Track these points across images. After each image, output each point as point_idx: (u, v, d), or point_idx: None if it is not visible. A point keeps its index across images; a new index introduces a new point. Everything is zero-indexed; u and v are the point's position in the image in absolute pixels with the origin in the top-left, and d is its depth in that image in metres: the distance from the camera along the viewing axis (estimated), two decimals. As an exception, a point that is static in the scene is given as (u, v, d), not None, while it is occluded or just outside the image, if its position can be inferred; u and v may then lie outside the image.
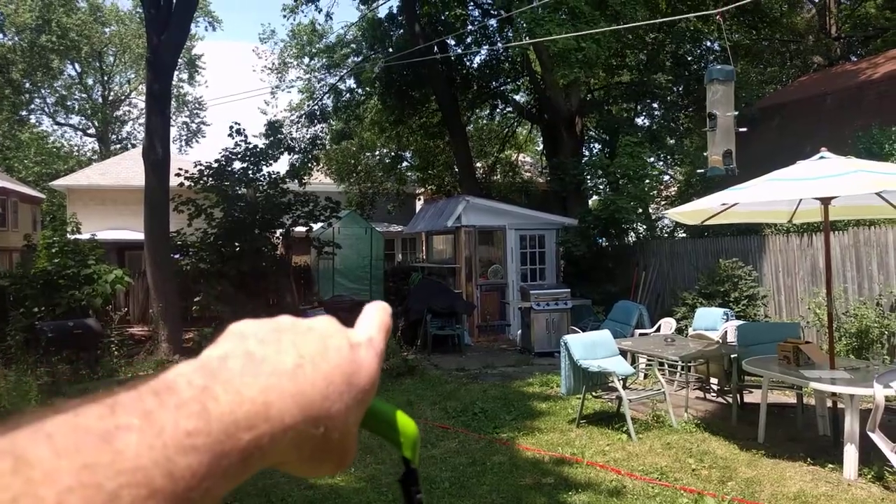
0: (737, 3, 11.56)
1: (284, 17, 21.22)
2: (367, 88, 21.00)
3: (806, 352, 5.77)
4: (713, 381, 7.72)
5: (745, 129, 6.29)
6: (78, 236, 12.66)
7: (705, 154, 6.35)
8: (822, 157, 5.72)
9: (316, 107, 21.92)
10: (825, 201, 5.83)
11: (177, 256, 13.22)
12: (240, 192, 13.41)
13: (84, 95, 41.11)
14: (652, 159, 17.52)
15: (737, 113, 6.25)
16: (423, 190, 25.81)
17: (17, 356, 9.09)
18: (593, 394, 6.80)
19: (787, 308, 9.73)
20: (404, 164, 24.92)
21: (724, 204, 6.25)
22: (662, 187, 18.52)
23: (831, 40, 22.27)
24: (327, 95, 21.73)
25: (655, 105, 19.50)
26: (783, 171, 5.78)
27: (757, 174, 5.96)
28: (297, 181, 14.32)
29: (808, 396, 6.72)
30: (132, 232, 19.20)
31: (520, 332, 11.78)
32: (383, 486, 5.02)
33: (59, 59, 36.79)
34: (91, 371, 9.72)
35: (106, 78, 41.21)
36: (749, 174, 6.17)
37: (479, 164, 23.34)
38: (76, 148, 43.26)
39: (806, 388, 6.29)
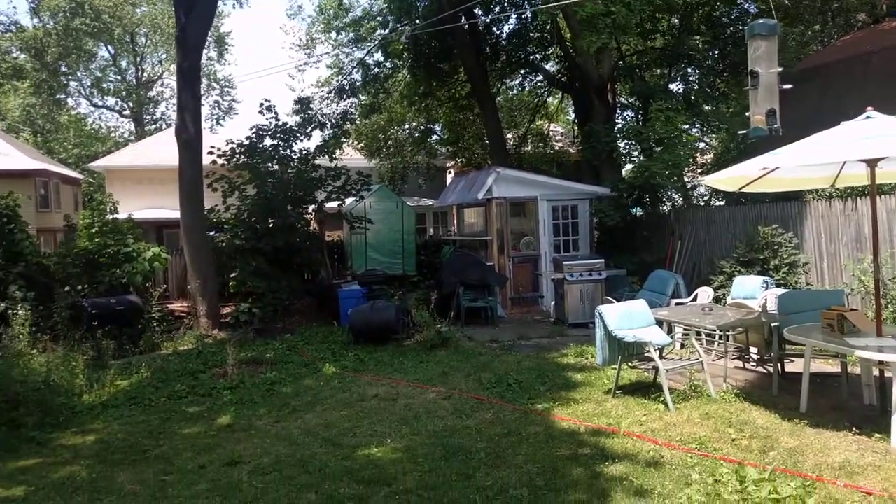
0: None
1: (311, -10, 21.06)
2: (396, 61, 20.83)
3: (851, 319, 5.59)
4: (753, 350, 7.56)
5: (789, 87, 6.03)
6: (116, 216, 12.90)
7: (747, 114, 6.11)
8: (867, 117, 5.48)
9: (345, 82, 21.83)
10: (871, 163, 5.60)
11: (212, 233, 13.42)
12: (272, 169, 13.49)
13: (118, 77, 41.77)
14: (686, 126, 17.08)
15: (780, 69, 5.99)
16: (453, 163, 25.65)
17: (63, 332, 9.38)
18: (629, 364, 6.73)
19: (830, 275, 9.46)
20: (434, 137, 24.76)
21: (764, 168, 6.04)
22: (698, 154, 18.05)
23: (877, -5, 21.22)
24: (356, 70, 21.63)
25: (690, 70, 18.91)
26: (826, 133, 5.55)
27: (798, 138, 5.74)
28: (327, 157, 14.33)
29: (852, 365, 6.54)
30: (169, 211, 19.58)
31: (553, 303, 11.70)
32: (419, 457, 5.06)
33: (93, 41, 37.31)
34: (134, 346, 9.99)
35: (139, 59, 41.77)
36: (790, 138, 5.94)
37: (509, 136, 23.04)
38: (113, 129, 44.15)
39: (851, 357, 6.11)
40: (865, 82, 14.21)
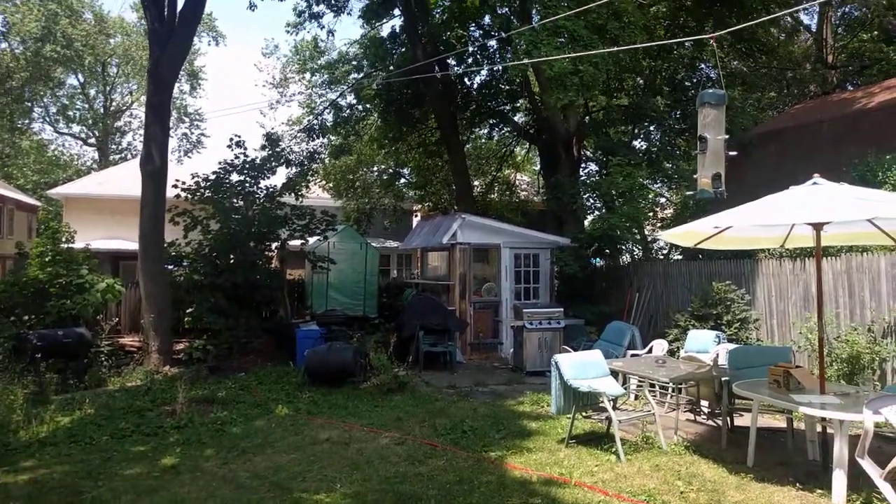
0: (731, 29, 11.68)
1: (288, 32, 21.39)
2: (368, 105, 21.12)
3: (796, 376, 5.75)
4: (703, 403, 7.69)
5: (734, 153, 6.32)
6: (72, 245, 12.59)
7: (695, 177, 6.37)
8: (814, 184, 5.76)
9: (315, 121, 22.02)
10: (817, 227, 5.87)
11: (171, 267, 13.18)
12: (236, 205, 13.41)
13: (86, 105, 41.30)
14: (648, 182, 17.61)
15: (727, 136, 6.28)
16: (420, 206, 25.86)
17: (4, 364, 9.00)
18: (583, 414, 6.77)
19: (780, 332, 9.73)
20: (402, 180, 25.00)
21: (716, 227, 6.27)
22: (658, 209, 18.59)
23: (828, 69, 22.52)
24: (327, 111, 21.85)
25: (653, 129, 19.64)
26: (776, 196, 5.81)
27: (752, 199, 6.00)
28: (293, 195, 14.32)
29: (798, 421, 6.70)
30: (127, 242, 19.20)
31: (512, 350, 11.75)
32: (369, 503, 4.96)
33: (62, 68, 36.96)
34: (79, 380, 9.63)
35: (108, 88, 41.43)
36: (744, 199, 6.20)
37: (476, 183, 23.41)
38: (76, 157, 43.41)
39: (796, 413, 6.28)
40: (817, 148, 14.93)
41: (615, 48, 11.78)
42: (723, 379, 6.72)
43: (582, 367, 6.65)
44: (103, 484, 5.58)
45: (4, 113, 35.43)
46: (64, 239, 12.46)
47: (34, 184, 36.43)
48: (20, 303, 11.04)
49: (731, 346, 8.11)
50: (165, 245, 12.35)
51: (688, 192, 7.65)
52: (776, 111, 22.74)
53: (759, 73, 21.42)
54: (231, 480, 5.62)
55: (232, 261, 12.51)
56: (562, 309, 11.33)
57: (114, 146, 42.80)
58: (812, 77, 22.61)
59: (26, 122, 38.85)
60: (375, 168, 25.33)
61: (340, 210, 24.66)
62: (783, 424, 6.86)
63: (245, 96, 67.21)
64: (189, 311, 12.10)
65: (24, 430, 7.12)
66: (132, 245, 13.89)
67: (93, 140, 42.30)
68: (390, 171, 24.53)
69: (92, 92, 41.33)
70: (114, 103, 42.20)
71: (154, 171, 11.77)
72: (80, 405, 8.11)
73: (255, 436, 7.10)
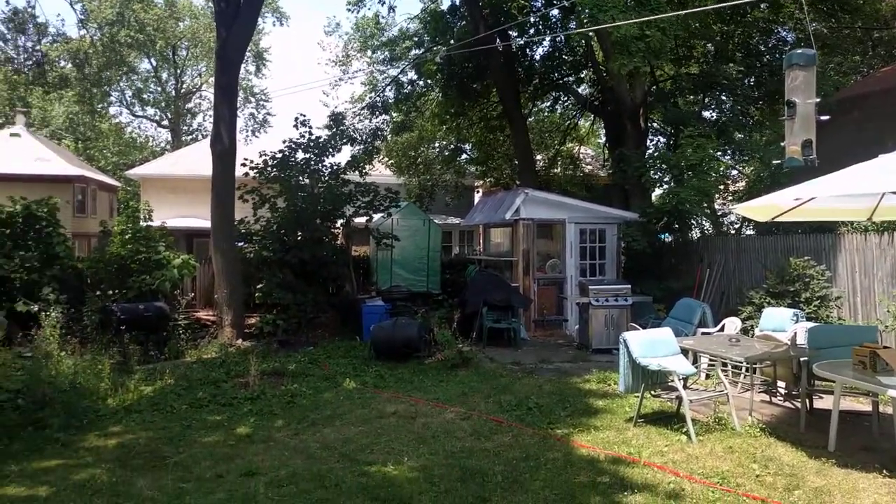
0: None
1: (349, 10, 21.48)
2: (429, 80, 21.04)
3: (884, 357, 5.43)
4: (780, 384, 7.39)
5: (826, 118, 5.94)
6: (150, 223, 13.17)
7: (782, 144, 6.02)
8: (907, 151, 5.37)
9: (378, 99, 22.12)
10: (910, 197, 5.48)
11: (241, 244, 13.61)
12: (302, 183, 13.68)
13: (158, 88, 42.92)
14: (718, 153, 16.89)
15: (818, 100, 5.90)
16: (481, 182, 25.71)
17: (91, 336, 9.55)
18: (652, 393, 6.62)
19: (864, 311, 9.21)
20: (464, 156, 24.88)
21: (797, 199, 5.95)
22: (729, 182, 17.83)
23: (919, 27, 20.88)
24: (389, 87, 21.90)
25: (724, 97, 18.76)
26: (864, 165, 5.45)
27: (834, 170, 5.64)
28: (357, 172, 14.50)
29: (884, 405, 6.34)
30: (200, 220, 19.93)
31: (577, 327, 11.60)
32: (435, 478, 5.03)
33: (135, 53, 38.44)
34: (159, 352, 10.13)
35: (178, 71, 42.87)
36: (826, 169, 5.83)
37: (539, 157, 23.06)
38: (151, 139, 45.27)
39: (883, 396, 5.94)
40: (905, 114, 13.92)
41: (682, 11, 11.25)
42: (801, 359, 6.43)
43: (651, 345, 6.49)
44: (184, 450, 5.87)
45: (85, 97, 37.21)
46: (142, 217, 13.05)
47: (114, 165, 38.22)
48: (104, 278, 11.65)
49: (811, 324, 7.72)
50: (235, 223, 12.75)
51: (775, 161, 7.22)
52: (860, 75, 21.30)
53: (842, 35, 20.06)
54: (302, 451, 5.80)
55: (299, 238, 12.81)
56: (629, 286, 11.07)
57: (185, 127, 44.40)
58: (902, 37, 21.03)
59: (104, 105, 40.72)
60: (437, 144, 25.29)
61: (402, 187, 24.82)
62: (867, 408, 6.51)
63: (308, 75, 68.27)
64: (259, 286, 12.49)
65: (111, 398, 7.55)
66: (205, 223, 14.41)
67: (166, 122, 43.99)
68: (451, 146, 24.44)
69: (164, 75, 42.89)
70: (184, 86, 43.68)
71: (223, 151, 12.12)
72: (161, 375, 8.53)
73: (323, 408, 7.30)
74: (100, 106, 39.64)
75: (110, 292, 11.42)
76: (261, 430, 6.47)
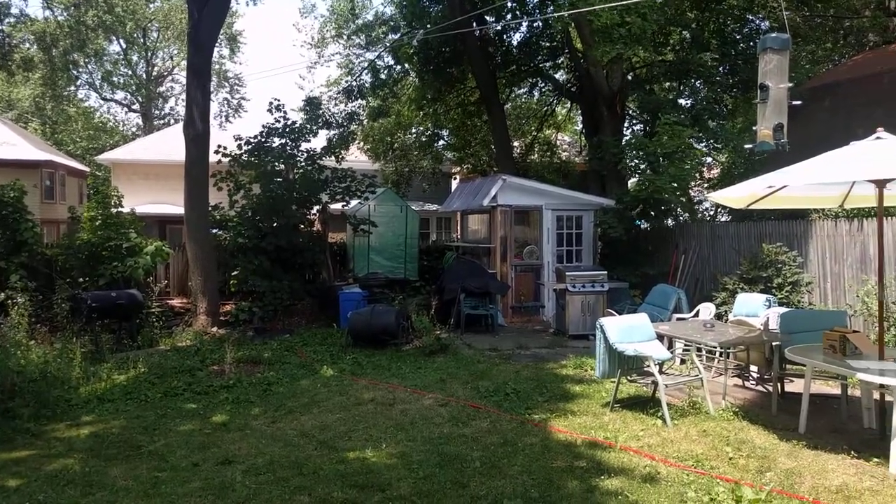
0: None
1: (324, -8, 21.14)
2: (406, 65, 20.85)
3: (853, 341, 5.55)
4: (753, 368, 7.52)
5: (799, 103, 6.00)
6: (120, 209, 12.91)
7: (754, 129, 6.08)
8: (878, 138, 5.45)
9: (354, 83, 21.89)
10: (880, 184, 5.57)
11: (215, 231, 13.42)
12: (278, 169, 13.51)
13: (129, 71, 41.95)
14: (693, 140, 17.04)
15: (791, 85, 5.96)
16: (458, 169, 25.66)
17: (62, 324, 9.37)
18: (628, 378, 6.69)
19: (834, 296, 9.41)
20: (441, 142, 24.78)
21: (770, 186, 6.01)
22: (705, 169, 18.02)
23: (889, 16, 21.20)
24: (365, 72, 21.66)
25: (699, 85, 18.90)
26: (835, 153, 5.52)
27: (806, 157, 5.71)
28: (334, 157, 14.35)
29: (853, 388, 6.50)
30: (173, 206, 19.63)
31: (554, 313, 11.68)
32: (414, 464, 5.03)
33: (103, 34, 37.44)
34: (132, 340, 9.98)
35: (149, 54, 41.95)
36: (797, 157, 5.90)
37: (516, 144, 23.05)
38: (121, 123, 44.33)
39: (851, 379, 6.08)
40: (876, 102, 14.17)
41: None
42: (774, 343, 6.54)
43: (628, 331, 6.55)
44: (159, 439, 5.79)
45: (51, 81, 36.21)
46: (113, 203, 12.79)
47: (83, 150, 37.38)
48: (75, 265, 11.43)
49: (783, 309, 7.87)
50: (210, 209, 12.56)
51: (746, 146, 7.29)
52: (832, 64, 21.61)
53: (815, 24, 20.32)
54: (279, 438, 5.76)
55: (275, 224, 12.66)
56: (605, 272, 11.16)
57: (157, 111, 43.56)
58: (872, 25, 21.33)
59: (72, 89, 39.70)
60: (414, 130, 25.13)
61: (379, 173, 24.66)
62: (836, 391, 6.67)
63: (283, 56, 67.26)
64: (234, 273, 12.36)
65: (83, 387, 7.43)
66: (178, 209, 14.18)
67: (136, 106, 43.07)
68: (429, 132, 24.31)
69: (134, 58, 41.91)
70: (155, 69, 42.77)
71: (196, 136, 11.91)
72: (135, 364, 8.41)
73: (301, 395, 7.26)
74: (67, 91, 38.62)
75: (81, 280, 11.21)
76: (237, 419, 6.41)
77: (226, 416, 6.52)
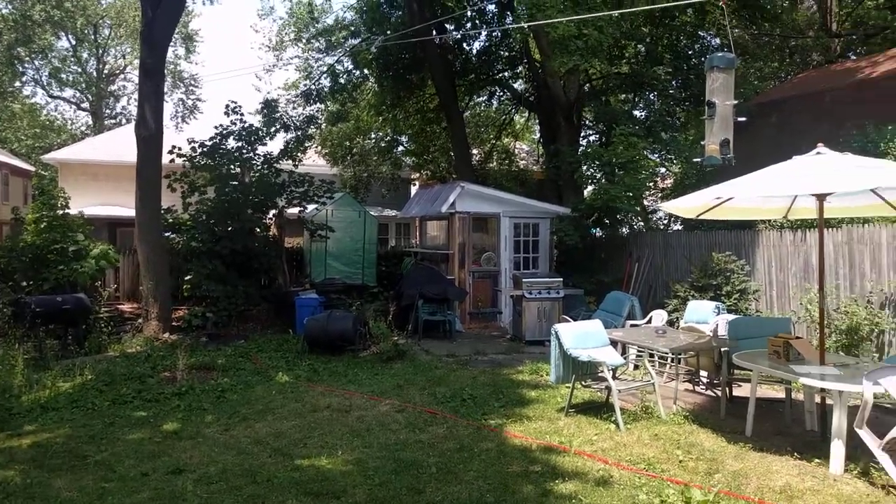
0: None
1: (282, -3, 20.93)
2: (365, 70, 20.80)
3: (796, 347, 5.77)
4: (703, 373, 7.74)
5: (744, 119, 6.24)
6: (67, 211, 12.48)
7: (702, 143, 6.29)
8: (818, 153, 5.69)
9: (312, 86, 21.70)
10: (820, 198, 5.83)
11: (169, 234, 13.10)
12: (233, 172, 13.29)
13: (78, 69, 40.60)
14: (647, 151, 17.49)
15: (736, 102, 6.20)
16: (418, 175, 25.68)
17: (4, 330, 9.00)
18: (583, 383, 6.81)
19: (779, 303, 9.76)
20: (400, 148, 24.77)
21: (718, 198, 6.22)
22: (658, 179, 18.49)
23: (831, 37, 22.19)
24: (324, 76, 21.51)
25: (653, 97, 19.41)
26: (779, 167, 5.75)
27: (753, 170, 5.93)
28: (291, 161, 14.18)
29: (796, 391, 6.76)
30: (124, 209, 19.08)
31: (511, 319, 11.79)
32: (370, 470, 5.01)
33: (52, 29, 36.18)
34: (79, 347, 9.65)
35: (100, 51, 40.69)
36: (745, 170, 6.13)
37: (475, 151, 23.21)
38: (70, 122, 42.87)
39: (795, 383, 6.33)
40: (819, 119, 14.79)
41: (620, 10, 11.55)
42: (722, 349, 6.75)
43: (582, 337, 6.67)
44: (106, 448, 5.61)
45: (-4, 76, 34.86)
46: (59, 205, 12.36)
47: (28, 148, 36.04)
48: (18, 268, 11.01)
49: (731, 316, 8.12)
50: (162, 211, 12.26)
51: (695, 160, 7.55)
52: (778, 80, 22.48)
53: (762, 42, 21.11)
54: (232, 446, 5.66)
55: (230, 228, 12.43)
56: (561, 279, 11.33)
57: (108, 111, 42.28)
58: (815, 45, 22.30)
59: (17, 85, 38.22)
60: (373, 135, 25.06)
61: (337, 177, 24.49)
62: (782, 395, 6.92)
63: (241, 59, 66.19)
64: (187, 278, 12.07)
65: (25, 395, 7.15)
66: (129, 212, 13.79)
67: (86, 104, 41.74)
68: (388, 138, 24.27)
69: (84, 55, 40.60)
70: (107, 67, 41.52)
71: (149, 137, 11.61)
72: (81, 371, 8.12)
73: (255, 403, 7.14)
74: (12, 87, 37.16)
75: (24, 283, 10.80)
76: (189, 426, 6.27)
77: (177, 423, 6.36)
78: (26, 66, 37.84)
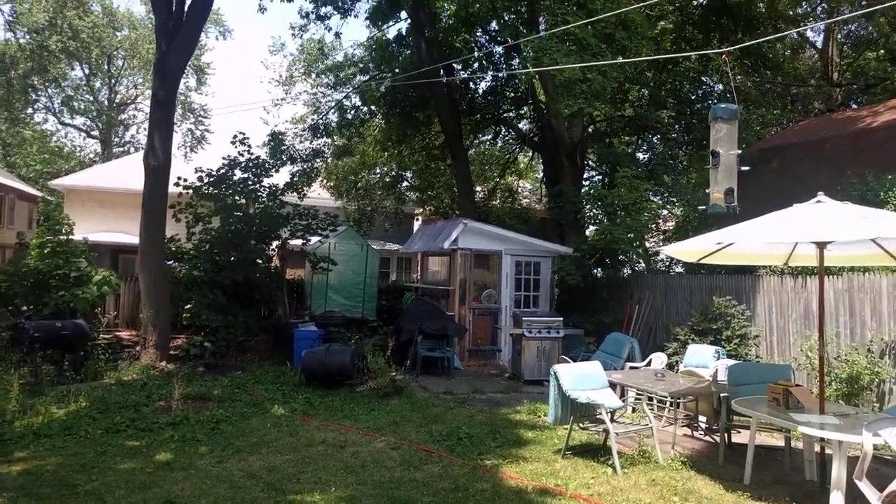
0: (741, 45, 11.70)
1: (293, 35, 21.43)
2: (373, 107, 21.14)
3: (796, 395, 5.73)
4: (702, 419, 7.66)
5: (747, 168, 6.32)
6: (71, 237, 12.56)
7: (707, 191, 6.36)
8: (818, 202, 5.75)
9: (320, 121, 22.03)
10: (821, 245, 5.86)
11: (171, 262, 13.15)
12: (238, 203, 13.40)
13: (90, 97, 41.29)
14: (649, 193, 17.64)
15: (740, 152, 6.28)
16: (421, 210, 25.85)
17: (1, 354, 8.98)
18: (580, 425, 6.74)
19: (779, 349, 9.71)
20: (404, 183, 25.01)
21: (719, 243, 6.26)
22: (661, 221, 18.59)
23: (832, 87, 22.57)
24: (332, 111, 21.85)
25: (656, 140, 19.65)
26: (780, 214, 5.80)
27: (753, 216, 5.99)
28: (296, 193, 14.31)
29: (796, 440, 6.68)
30: (128, 235, 19.18)
31: (510, 358, 11.72)
32: (363, 508, 4.94)
33: (66, 59, 36.88)
34: (75, 373, 9.60)
35: (113, 81, 41.44)
36: (746, 214, 6.19)
37: (478, 188, 23.42)
38: (79, 149, 43.38)
39: (794, 432, 6.25)
40: (820, 166, 14.94)
41: (623, 60, 11.79)
42: (722, 395, 6.70)
43: (581, 378, 6.63)
44: (97, 478, 5.55)
45: (7, 102, 35.40)
46: (63, 230, 12.44)
47: (37, 173, 36.39)
48: (19, 293, 11.02)
49: (731, 361, 8.07)
50: (166, 240, 12.33)
51: (700, 207, 7.63)
52: (780, 127, 22.78)
53: (764, 89, 21.46)
54: (225, 479, 5.59)
55: (232, 258, 12.49)
56: (561, 318, 11.31)
57: (117, 139, 42.86)
58: (816, 94, 22.66)
59: (29, 112, 38.83)
60: (378, 170, 25.33)
61: (341, 210, 24.66)
62: (781, 443, 6.84)
63: (250, 93, 67.30)
64: (187, 307, 12.07)
65: (18, 421, 7.09)
66: (133, 239, 13.88)
67: (96, 132, 42.31)
68: (393, 173, 24.53)
69: (97, 84, 41.34)
70: (118, 96, 42.24)
71: (157, 167, 11.76)
72: (76, 398, 8.08)
73: (250, 435, 7.08)
74: (24, 113, 37.71)
75: (24, 308, 10.80)
76: (182, 457, 6.20)
77: (170, 454, 6.30)
78: (39, 93, 38.53)
